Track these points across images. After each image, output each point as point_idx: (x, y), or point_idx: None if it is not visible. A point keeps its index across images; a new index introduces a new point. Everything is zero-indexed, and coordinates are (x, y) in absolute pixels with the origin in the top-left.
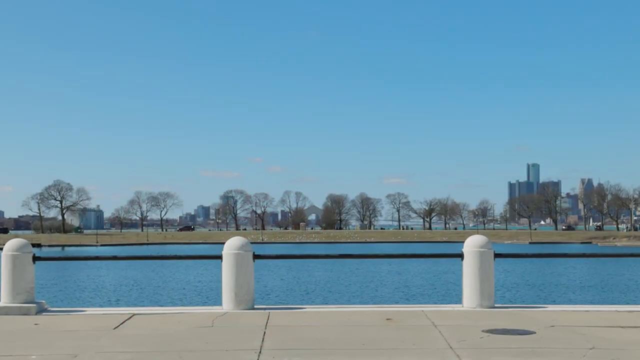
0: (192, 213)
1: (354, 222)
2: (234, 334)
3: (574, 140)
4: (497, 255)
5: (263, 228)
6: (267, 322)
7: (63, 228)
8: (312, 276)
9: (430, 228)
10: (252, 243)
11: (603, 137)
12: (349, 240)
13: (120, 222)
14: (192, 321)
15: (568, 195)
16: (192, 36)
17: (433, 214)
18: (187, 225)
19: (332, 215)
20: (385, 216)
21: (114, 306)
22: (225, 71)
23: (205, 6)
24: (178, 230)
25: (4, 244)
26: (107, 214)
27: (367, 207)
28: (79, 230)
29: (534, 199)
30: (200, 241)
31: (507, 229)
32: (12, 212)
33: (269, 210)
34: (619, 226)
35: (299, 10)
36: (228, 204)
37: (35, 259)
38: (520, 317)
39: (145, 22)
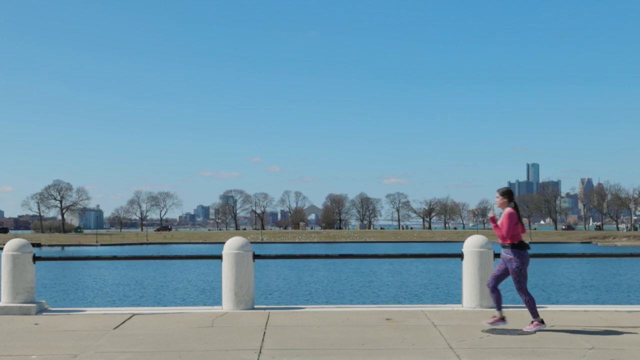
0: (192, 213)
1: (354, 222)
2: (234, 334)
3: (573, 140)
4: (497, 255)
5: (263, 228)
6: (267, 322)
7: (63, 228)
8: (312, 276)
9: (430, 228)
10: (251, 243)
11: (603, 137)
12: (348, 240)
13: (120, 222)
14: (192, 321)
15: (568, 195)
16: (192, 37)
17: (433, 214)
18: (164, 225)
19: (332, 215)
20: (385, 216)
21: (114, 306)
22: (226, 71)
23: (205, 7)
24: (155, 231)
25: (4, 244)
26: (107, 213)
27: (366, 207)
28: (79, 230)
29: (533, 199)
30: (200, 241)
31: None
32: (12, 212)
33: (268, 210)
34: (619, 226)
35: (299, 10)
36: (228, 204)
37: (36, 258)
38: (520, 317)
39: (145, 22)
